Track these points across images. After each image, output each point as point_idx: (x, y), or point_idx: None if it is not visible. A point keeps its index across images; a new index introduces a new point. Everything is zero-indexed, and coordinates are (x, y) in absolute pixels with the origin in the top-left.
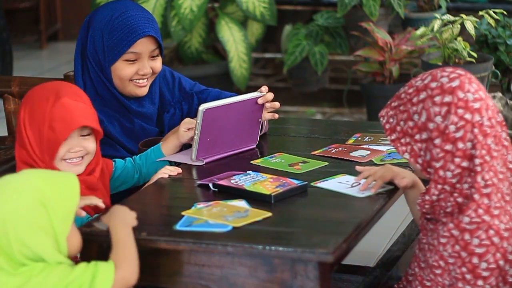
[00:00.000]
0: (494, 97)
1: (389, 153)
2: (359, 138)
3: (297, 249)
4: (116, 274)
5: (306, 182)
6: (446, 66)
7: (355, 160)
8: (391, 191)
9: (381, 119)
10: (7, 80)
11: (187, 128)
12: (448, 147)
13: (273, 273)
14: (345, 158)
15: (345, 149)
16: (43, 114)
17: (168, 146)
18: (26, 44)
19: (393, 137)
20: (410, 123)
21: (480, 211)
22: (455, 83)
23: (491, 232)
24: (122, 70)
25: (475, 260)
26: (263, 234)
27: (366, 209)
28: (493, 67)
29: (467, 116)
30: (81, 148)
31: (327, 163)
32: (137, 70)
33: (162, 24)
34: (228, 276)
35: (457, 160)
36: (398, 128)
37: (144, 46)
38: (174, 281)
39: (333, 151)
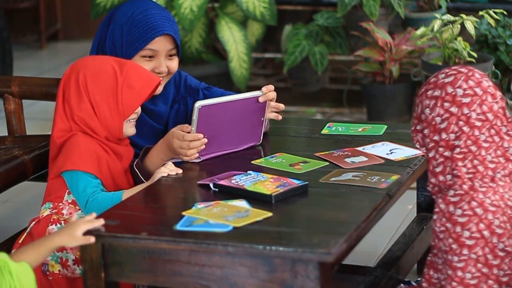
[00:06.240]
0: None
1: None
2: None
3: (298, 249)
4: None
5: (307, 182)
6: (448, 66)
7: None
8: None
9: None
10: (7, 80)
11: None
12: (436, 137)
13: (274, 273)
14: (337, 163)
15: (349, 153)
16: (114, 78)
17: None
18: (26, 44)
19: (412, 128)
20: (414, 114)
21: (465, 186)
22: (448, 79)
23: (474, 203)
24: None
25: (458, 229)
26: (263, 234)
27: (366, 209)
28: (493, 67)
29: (453, 109)
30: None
31: (327, 163)
32: (153, 68)
33: None
34: (228, 276)
35: (440, 149)
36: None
37: (161, 44)
38: (174, 281)
39: (335, 154)
